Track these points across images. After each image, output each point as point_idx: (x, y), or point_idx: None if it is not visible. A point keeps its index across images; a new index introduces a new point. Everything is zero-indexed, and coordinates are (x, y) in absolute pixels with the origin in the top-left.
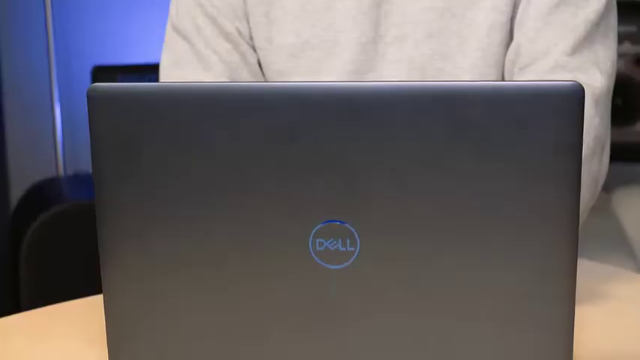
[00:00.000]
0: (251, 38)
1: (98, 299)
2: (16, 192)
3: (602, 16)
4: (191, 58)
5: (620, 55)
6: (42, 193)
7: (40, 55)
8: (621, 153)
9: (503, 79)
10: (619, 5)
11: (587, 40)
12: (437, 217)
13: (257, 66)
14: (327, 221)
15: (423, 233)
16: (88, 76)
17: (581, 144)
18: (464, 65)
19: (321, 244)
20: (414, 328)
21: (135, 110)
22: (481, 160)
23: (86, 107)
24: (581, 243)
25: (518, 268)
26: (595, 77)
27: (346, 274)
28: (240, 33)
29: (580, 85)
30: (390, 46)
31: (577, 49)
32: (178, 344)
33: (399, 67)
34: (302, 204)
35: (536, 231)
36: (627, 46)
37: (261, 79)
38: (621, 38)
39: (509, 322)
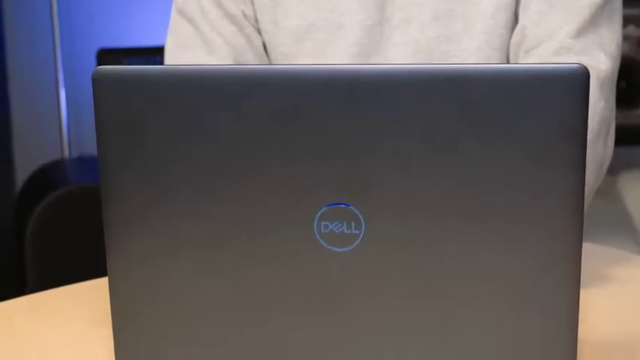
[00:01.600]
0: (256, 20)
1: (103, 282)
2: (21, 174)
3: None
4: (196, 41)
5: (625, 38)
6: (47, 176)
7: (45, 37)
8: (626, 136)
9: (508, 63)
10: None
11: (591, 22)
12: (441, 200)
13: (262, 48)
14: (332, 204)
15: (427, 216)
16: (93, 59)
17: (586, 127)
18: (469, 48)
19: (326, 226)
20: (418, 312)
21: (140, 93)
22: (485, 143)
23: (91, 90)
24: (586, 226)
25: (523, 251)
26: (600, 60)
27: (351, 256)
28: (245, 15)
29: (585, 67)
30: (396, 29)
31: (582, 31)
32: (182, 327)
33: (405, 49)
34: (307, 187)
35: (541, 214)
36: (632, 29)
37: (267, 61)
38: (626, 21)
39: (514, 305)
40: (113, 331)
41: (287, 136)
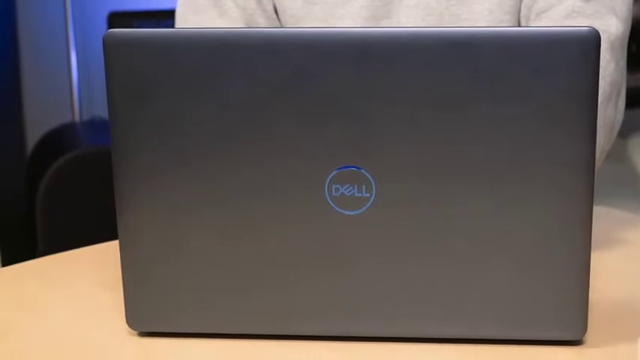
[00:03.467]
0: None
1: (113, 244)
2: (32, 138)
3: None
4: (207, 4)
5: (636, 1)
6: (58, 139)
7: (55, 1)
8: (637, 99)
9: (519, 26)
10: None
11: None
12: (452, 163)
13: (273, 12)
14: (343, 167)
15: (438, 179)
16: (103, 22)
17: (597, 90)
18: (480, 11)
19: (337, 189)
20: (428, 274)
21: (151, 56)
22: (497, 107)
23: (102, 53)
24: (597, 189)
25: (534, 214)
26: (611, 23)
27: (362, 219)
28: None
29: (596, 30)
30: None
31: None
32: (192, 288)
33: (415, 12)
34: (318, 150)
35: (552, 177)
36: None
37: (277, 24)
38: None
39: (525, 268)
40: (124, 292)
41: (298, 99)
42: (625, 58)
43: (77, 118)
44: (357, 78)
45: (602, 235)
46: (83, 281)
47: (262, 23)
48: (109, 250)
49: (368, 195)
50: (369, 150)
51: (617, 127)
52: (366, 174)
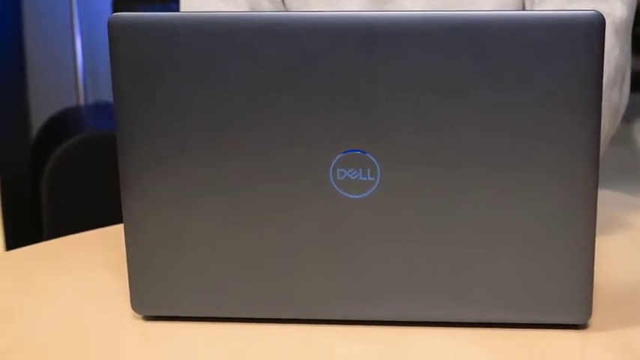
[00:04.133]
0: None
1: (118, 228)
2: (37, 122)
3: None
4: None
5: None
6: (62, 123)
7: None
8: None
9: (523, 10)
10: None
11: None
12: (457, 147)
13: None
14: (348, 151)
15: (443, 163)
16: (108, 6)
17: (602, 74)
18: None
19: (341, 173)
20: (433, 259)
21: (155, 40)
22: (501, 91)
23: (107, 37)
24: (602, 173)
25: (539, 198)
26: (615, 6)
27: (366, 203)
28: None
29: (600, 14)
30: None
31: None
32: (197, 272)
33: None
34: (323, 133)
35: (556, 161)
36: None
37: (282, 8)
38: None
39: (529, 252)
40: (128, 276)
41: (303, 83)
42: (630, 43)
43: (82, 102)
44: (362, 61)
45: (606, 219)
46: (88, 265)
47: (267, 7)
48: (114, 234)
49: (373, 179)
50: (374, 134)
51: (622, 111)
52: (371, 158)
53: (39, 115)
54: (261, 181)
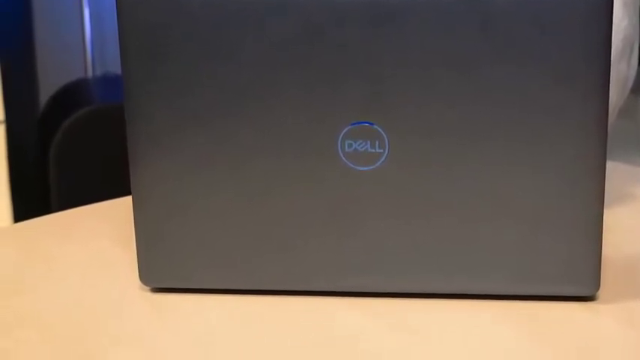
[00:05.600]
0: None
1: (126, 200)
2: (45, 94)
3: None
4: None
5: None
6: (70, 95)
7: None
8: None
9: None
10: None
11: None
12: (465, 120)
13: None
14: (357, 123)
15: (451, 136)
16: None
17: (610, 46)
18: None
19: (350, 145)
20: (441, 231)
21: (164, 12)
22: (508, 64)
23: (115, 8)
24: (609, 145)
25: (547, 170)
26: None
27: (375, 175)
28: None
29: None
30: None
31: None
32: (205, 244)
33: None
34: (331, 106)
35: (564, 134)
36: None
37: None
38: None
39: (538, 224)
40: (137, 249)
41: (311, 56)
42: (638, 14)
43: (90, 74)
44: (370, 34)
45: (615, 191)
46: (96, 237)
47: None
48: (123, 206)
49: (381, 151)
50: (382, 106)
51: (630, 83)
52: (379, 130)
53: (47, 88)
54: (269, 153)
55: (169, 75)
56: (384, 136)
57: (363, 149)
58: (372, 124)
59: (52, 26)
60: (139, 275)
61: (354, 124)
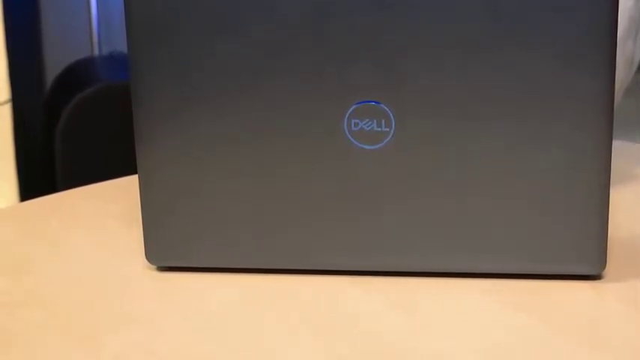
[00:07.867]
0: None
1: (132, 179)
2: (51, 73)
3: None
4: None
5: None
6: (77, 74)
7: None
8: None
9: None
10: None
11: None
12: (471, 99)
13: None
14: (363, 101)
15: (457, 115)
16: None
17: (616, 25)
18: None
19: (356, 124)
20: (447, 210)
21: None
22: (516, 43)
23: None
24: (616, 124)
25: (553, 149)
26: None
27: (381, 154)
28: None
29: None
30: None
31: None
32: (212, 223)
33: None
34: (337, 84)
35: (571, 113)
36: None
37: None
38: None
39: (544, 203)
40: (143, 227)
41: (318, 34)
42: None
43: (96, 53)
44: (377, 13)
45: (621, 171)
46: (102, 216)
47: None
48: (128, 185)
49: (387, 130)
50: (388, 84)
51: (637, 62)
52: (386, 108)
53: (53, 66)
54: (275, 132)
55: (176, 54)
56: (390, 115)
57: (370, 128)
58: (378, 102)
59: (59, 5)
60: (145, 254)
61: (360, 102)
